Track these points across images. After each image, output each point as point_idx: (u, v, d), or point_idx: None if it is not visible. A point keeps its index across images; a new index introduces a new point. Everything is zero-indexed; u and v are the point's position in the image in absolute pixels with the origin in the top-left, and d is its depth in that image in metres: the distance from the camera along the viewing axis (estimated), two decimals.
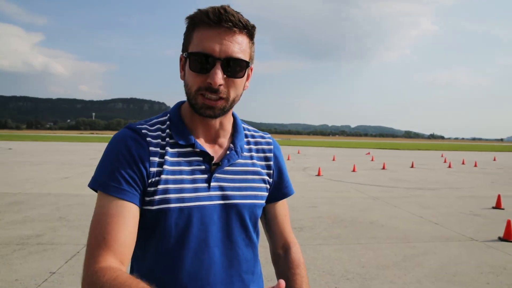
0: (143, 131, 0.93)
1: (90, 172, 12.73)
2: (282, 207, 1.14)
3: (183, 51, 0.94)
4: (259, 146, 1.09)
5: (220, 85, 0.87)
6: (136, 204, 0.87)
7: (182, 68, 0.95)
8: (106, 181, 0.86)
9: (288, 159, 22.47)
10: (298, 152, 31.08)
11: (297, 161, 21.30)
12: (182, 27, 0.93)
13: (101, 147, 31.84)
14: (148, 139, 0.92)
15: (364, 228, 6.06)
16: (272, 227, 1.13)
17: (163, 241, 0.90)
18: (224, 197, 0.95)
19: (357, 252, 4.81)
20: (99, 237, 0.81)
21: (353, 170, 15.70)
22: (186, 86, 0.92)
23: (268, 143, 1.11)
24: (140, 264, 0.95)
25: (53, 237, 5.13)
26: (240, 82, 0.92)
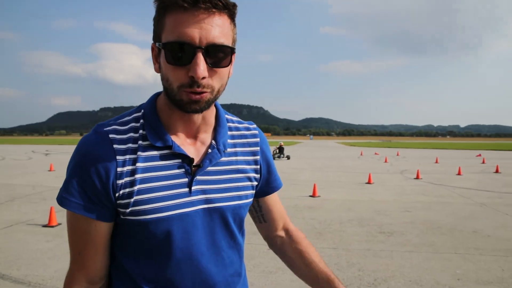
0: (110, 135, 0.82)
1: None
2: (275, 198, 1.11)
3: (154, 40, 0.82)
4: (245, 140, 1.00)
5: (204, 77, 0.76)
6: (102, 220, 0.82)
7: (156, 59, 0.83)
8: (67, 197, 0.80)
9: (386, 161, 21.28)
10: (397, 154, 29.23)
11: (395, 163, 20.08)
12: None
13: None
14: (115, 146, 0.81)
15: (464, 238, 5.40)
16: (270, 216, 1.10)
17: (146, 253, 0.85)
18: (207, 201, 0.87)
19: (452, 263, 4.31)
20: (75, 253, 0.85)
21: (458, 174, 14.17)
22: (165, 80, 0.80)
23: (253, 135, 1.02)
24: (131, 272, 0.88)
25: None
26: (225, 70, 0.81)
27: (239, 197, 0.92)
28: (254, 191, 0.99)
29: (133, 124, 0.86)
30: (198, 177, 0.86)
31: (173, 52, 0.75)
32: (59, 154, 28.07)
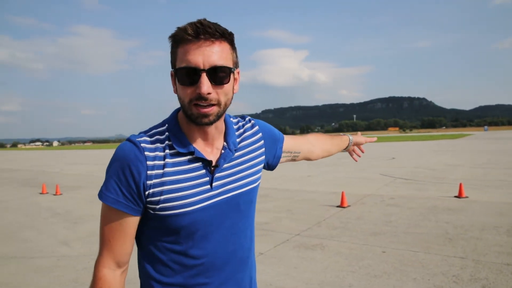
0: (142, 144, 0.99)
1: (331, 172, 13.85)
2: (289, 141, 1.37)
3: (172, 67, 1.01)
4: (248, 133, 1.19)
5: (209, 93, 0.94)
6: (132, 214, 1.00)
7: (174, 83, 1.02)
8: (106, 193, 0.98)
9: None
10: None
11: None
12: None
13: None
14: (146, 152, 0.98)
15: None
16: (297, 150, 1.40)
17: (174, 239, 1.03)
18: (225, 192, 1.06)
19: None
20: (105, 240, 1.01)
21: None
22: (179, 98, 1.00)
23: (252, 125, 1.22)
24: (160, 256, 1.06)
25: (276, 226, 6.12)
26: (227, 87, 0.99)
27: (251, 182, 1.14)
28: (261, 172, 1.23)
29: (158, 136, 1.03)
30: (217, 175, 1.05)
31: (183, 75, 0.95)
32: None
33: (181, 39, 0.95)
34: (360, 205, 7.45)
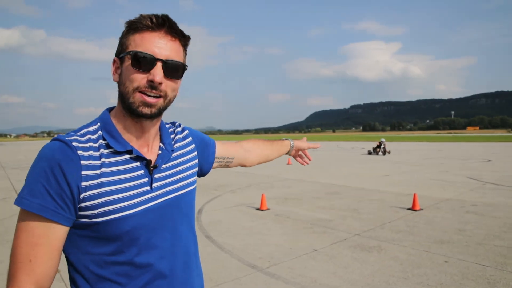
0: (73, 143, 0.88)
1: (412, 173, 12.99)
2: (220, 147, 1.36)
3: (118, 54, 0.97)
4: (179, 136, 1.17)
5: (161, 83, 0.92)
6: (63, 224, 0.86)
7: (115, 70, 0.97)
8: (29, 198, 0.83)
9: None
10: None
11: None
12: None
13: (447, 146, 30.73)
14: (79, 152, 0.88)
15: None
16: (230, 155, 1.39)
17: (119, 254, 0.92)
18: (165, 194, 1.01)
19: None
20: (24, 260, 0.82)
21: None
22: (122, 85, 0.94)
23: (183, 129, 1.21)
24: (97, 270, 0.92)
25: (338, 224, 6.01)
26: (177, 83, 0.98)
27: (189, 184, 1.11)
28: (196, 175, 1.19)
29: (89, 136, 0.94)
30: (156, 175, 1.00)
31: (138, 60, 0.91)
32: None
33: (143, 26, 0.93)
34: (434, 209, 6.90)
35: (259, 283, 3.74)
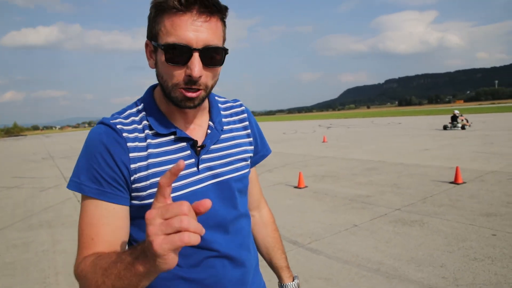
0: (117, 126, 0.87)
1: (453, 146, 12.52)
2: (254, 175, 1.19)
3: (150, 38, 0.88)
4: (236, 117, 1.08)
5: (200, 76, 0.83)
6: (120, 204, 0.86)
7: (150, 55, 0.90)
8: (85, 183, 0.84)
9: None
10: None
11: None
12: None
13: (483, 118, 29.24)
14: (125, 134, 0.87)
15: None
16: (249, 190, 1.15)
17: None
18: (214, 176, 0.96)
19: None
20: (86, 239, 0.83)
21: None
22: (160, 77, 0.88)
23: (242, 111, 1.10)
24: None
25: (377, 199, 5.96)
26: (218, 69, 0.89)
27: (242, 168, 1.02)
28: (250, 161, 1.08)
29: (133, 117, 0.92)
30: (203, 156, 0.94)
31: (172, 53, 0.81)
32: (340, 127, 31.37)
33: (170, 7, 0.80)
34: (479, 182, 6.64)
35: (301, 259, 3.82)
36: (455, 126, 19.32)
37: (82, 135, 57.26)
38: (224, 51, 0.87)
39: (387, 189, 6.60)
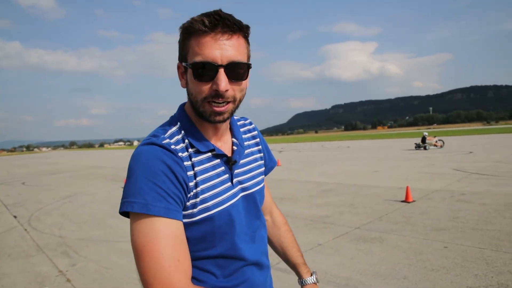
0: (172, 146, 0.90)
1: (399, 168, 13.32)
2: (265, 184, 1.26)
3: (180, 60, 0.95)
4: (249, 134, 1.17)
5: (226, 90, 0.89)
6: (181, 221, 0.89)
7: (182, 76, 0.96)
8: (152, 203, 0.82)
9: None
10: None
11: None
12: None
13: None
14: (180, 154, 0.91)
15: None
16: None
17: (211, 248, 0.96)
18: (243, 189, 1.03)
19: None
20: (173, 262, 0.81)
21: None
22: (190, 94, 0.93)
23: (253, 128, 1.20)
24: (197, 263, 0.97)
25: (337, 219, 6.20)
26: (244, 83, 0.94)
27: (261, 181, 1.13)
28: (264, 175, 1.18)
29: (176, 137, 0.96)
30: (235, 171, 1.02)
31: (199, 70, 0.88)
32: (291, 151, 32.13)
33: (196, 30, 0.87)
34: (426, 200, 7.18)
35: (273, 280, 3.87)
36: (425, 148, 21.72)
37: (19, 160, 53.36)
38: (248, 66, 0.93)
39: (345, 209, 6.90)
